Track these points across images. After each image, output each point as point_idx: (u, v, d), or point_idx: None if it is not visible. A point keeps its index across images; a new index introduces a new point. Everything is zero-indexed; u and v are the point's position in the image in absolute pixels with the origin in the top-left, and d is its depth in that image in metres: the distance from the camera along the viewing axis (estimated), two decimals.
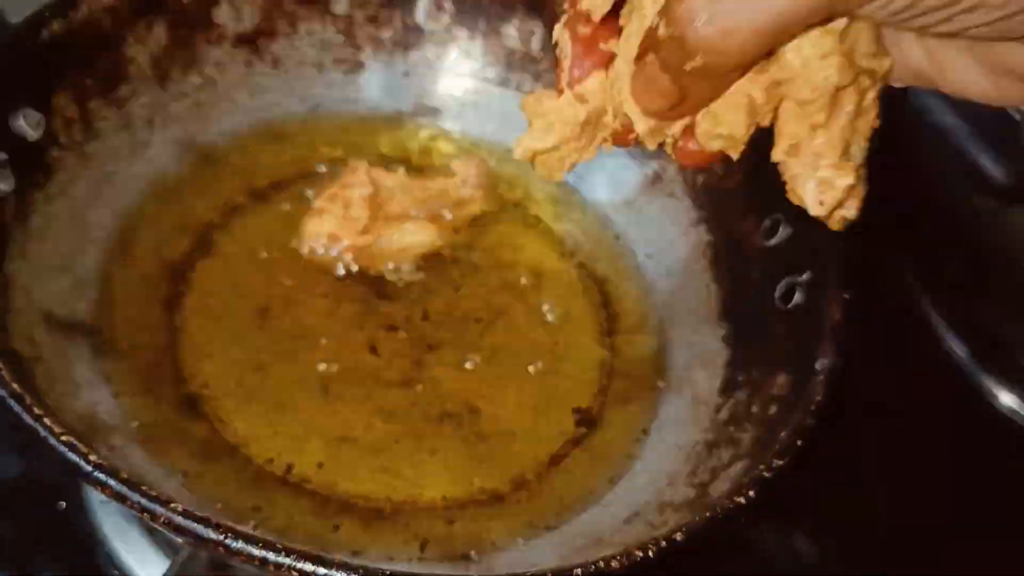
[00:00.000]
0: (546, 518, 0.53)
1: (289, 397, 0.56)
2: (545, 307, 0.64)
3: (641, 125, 0.37)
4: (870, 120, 0.36)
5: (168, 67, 0.64)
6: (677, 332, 0.64)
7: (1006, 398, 0.76)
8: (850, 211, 0.36)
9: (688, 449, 0.56)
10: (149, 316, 0.58)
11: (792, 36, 0.32)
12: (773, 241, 0.60)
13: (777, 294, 0.58)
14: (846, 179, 0.35)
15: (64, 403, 0.48)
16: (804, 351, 0.52)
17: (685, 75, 0.33)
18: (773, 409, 0.52)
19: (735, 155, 0.38)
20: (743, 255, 0.62)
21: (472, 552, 0.51)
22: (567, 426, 0.59)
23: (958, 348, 0.79)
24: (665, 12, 0.32)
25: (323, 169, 0.68)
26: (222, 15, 0.66)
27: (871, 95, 0.36)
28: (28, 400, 0.39)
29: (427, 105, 0.73)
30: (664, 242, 0.68)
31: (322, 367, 0.58)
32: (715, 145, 0.37)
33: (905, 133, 0.65)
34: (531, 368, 0.61)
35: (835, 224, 0.37)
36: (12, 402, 0.38)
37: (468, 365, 0.60)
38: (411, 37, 0.71)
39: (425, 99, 0.73)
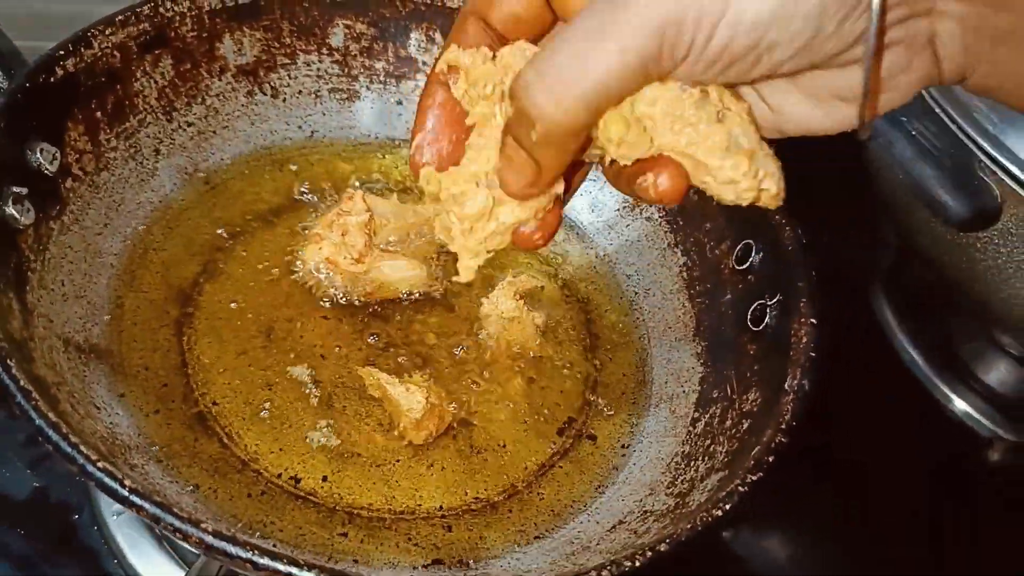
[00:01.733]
0: (537, 526, 0.57)
1: (294, 413, 0.60)
2: (533, 324, 0.68)
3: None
4: (741, 113, 0.38)
5: (173, 99, 0.67)
6: (656, 349, 0.68)
7: (959, 404, 0.81)
8: (771, 187, 0.38)
9: (668, 460, 0.60)
10: (159, 338, 0.61)
11: (616, 103, 0.35)
12: (745, 265, 0.64)
13: (749, 315, 0.62)
14: (740, 167, 0.37)
15: (86, 425, 0.51)
16: (774, 371, 0.57)
17: (534, 147, 0.36)
18: (745, 424, 0.56)
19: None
20: (717, 277, 0.67)
21: (470, 560, 0.54)
22: (554, 438, 0.63)
23: (918, 358, 0.84)
24: (509, 92, 0.36)
25: (319, 195, 0.71)
26: (225, 48, 0.69)
27: (728, 100, 0.38)
28: (64, 429, 0.42)
29: None
30: (643, 263, 0.72)
31: (324, 384, 0.61)
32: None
33: (872, 166, 0.70)
34: (520, 382, 0.64)
35: (772, 203, 0.39)
36: (50, 432, 0.42)
37: (461, 381, 0.64)
38: (404, 68, 0.75)
39: None
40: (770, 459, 0.49)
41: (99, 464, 0.41)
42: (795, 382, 0.53)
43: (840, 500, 0.75)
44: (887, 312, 0.88)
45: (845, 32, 0.33)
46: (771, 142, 0.39)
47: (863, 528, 0.74)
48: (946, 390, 0.83)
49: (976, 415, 0.81)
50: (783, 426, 0.51)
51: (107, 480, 0.41)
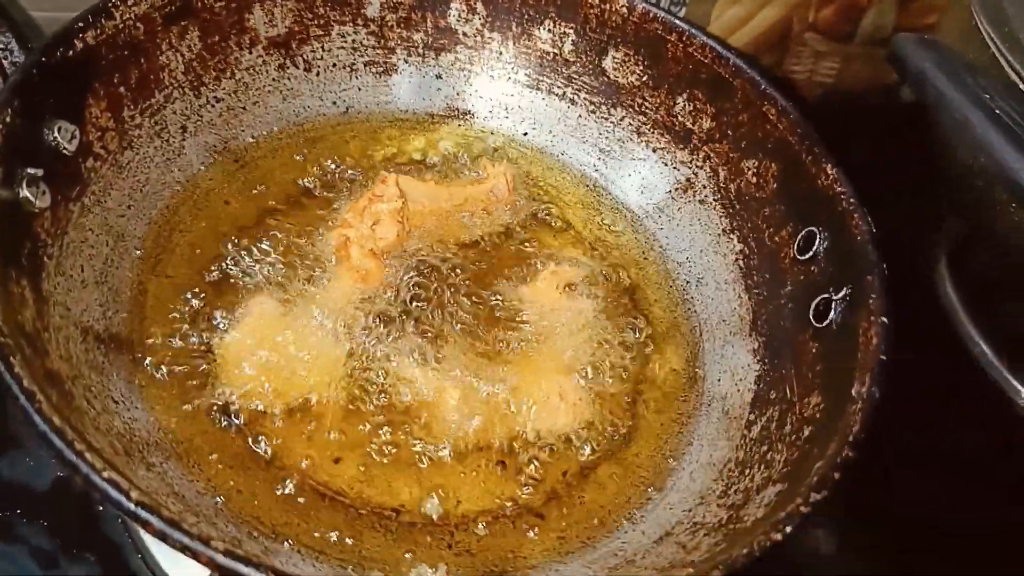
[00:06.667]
0: (579, 535, 0.54)
1: (323, 406, 0.56)
2: (576, 314, 0.64)
3: None
4: None
5: (201, 73, 0.64)
6: (708, 343, 0.64)
7: None
8: None
9: (720, 466, 0.56)
10: (183, 325, 0.58)
11: None
12: (808, 255, 0.59)
13: (812, 310, 0.57)
14: None
15: (103, 421, 0.49)
16: (838, 373, 0.52)
17: None
18: (806, 431, 0.52)
19: None
20: (776, 267, 0.62)
21: (506, 570, 0.51)
22: (598, 437, 0.59)
23: (985, 347, 0.78)
24: None
25: (353, 174, 0.68)
26: (255, 20, 0.65)
27: None
28: (70, 435, 0.39)
29: (459, 107, 0.72)
30: (695, 250, 0.67)
31: (354, 375, 0.58)
32: None
33: (941, 144, 0.64)
34: (562, 377, 0.60)
35: None
36: (54, 437, 0.39)
37: (499, 375, 0.60)
38: (443, 39, 0.71)
39: (457, 101, 0.72)
40: (836, 476, 0.45)
41: (104, 474, 0.38)
42: (864, 389, 0.49)
43: (900, 495, 0.71)
44: (952, 297, 0.83)
45: None
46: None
47: (921, 523, 0.70)
48: (1016, 383, 0.77)
49: None
50: (851, 439, 0.46)
51: (112, 492, 0.38)
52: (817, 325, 0.57)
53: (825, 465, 0.45)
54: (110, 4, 0.57)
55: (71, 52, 0.55)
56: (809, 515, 0.43)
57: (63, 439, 0.39)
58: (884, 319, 0.51)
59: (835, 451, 0.46)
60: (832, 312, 0.56)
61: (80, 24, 0.56)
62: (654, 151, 0.70)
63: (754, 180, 0.64)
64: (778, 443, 0.53)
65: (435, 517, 0.53)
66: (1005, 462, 0.75)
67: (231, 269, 0.61)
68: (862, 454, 0.48)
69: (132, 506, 0.37)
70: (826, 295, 0.56)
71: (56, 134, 0.54)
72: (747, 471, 0.53)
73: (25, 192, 0.51)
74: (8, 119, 0.50)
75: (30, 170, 0.51)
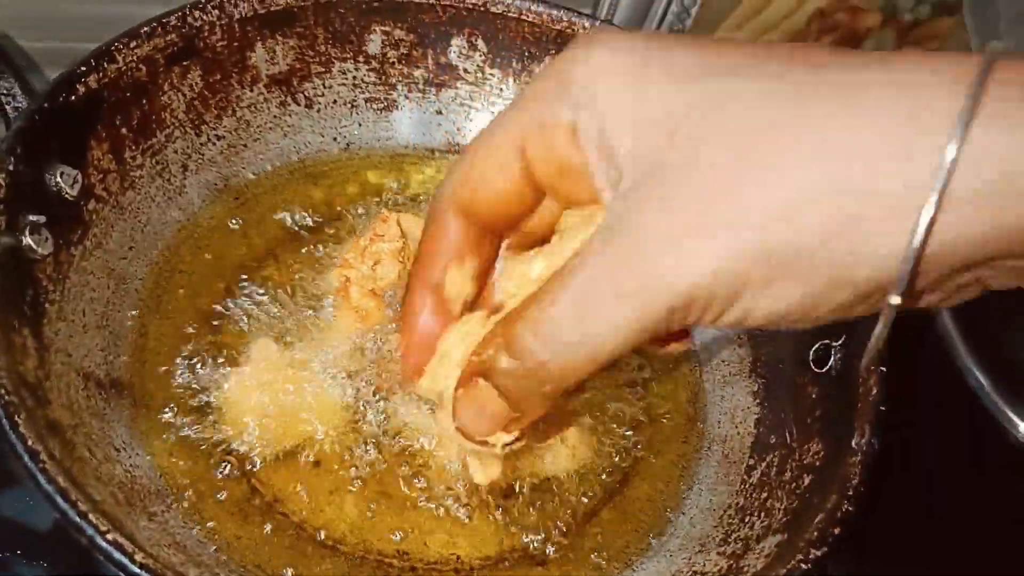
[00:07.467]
0: None
1: (324, 450, 0.56)
2: None
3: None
4: None
5: (203, 112, 0.64)
6: (708, 384, 0.64)
7: None
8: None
9: (720, 512, 0.56)
10: (184, 367, 0.58)
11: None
12: None
13: (811, 355, 0.57)
14: None
15: (104, 471, 0.49)
16: (838, 421, 0.52)
17: (527, 398, 0.36)
18: (806, 480, 0.52)
19: None
20: None
21: None
22: (599, 480, 0.59)
23: (980, 375, 0.79)
24: (506, 345, 0.34)
25: (354, 210, 0.68)
26: (256, 58, 0.65)
27: None
28: (74, 496, 0.39)
29: (459, 143, 0.73)
30: None
31: (358, 417, 0.58)
32: None
33: None
34: (564, 419, 0.61)
35: None
36: (58, 499, 0.39)
37: None
38: (444, 76, 0.71)
39: (458, 137, 0.72)
40: (835, 531, 0.45)
41: (108, 536, 0.38)
42: (863, 440, 0.49)
43: (891, 521, 0.71)
44: (950, 327, 0.83)
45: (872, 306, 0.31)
46: None
47: (917, 555, 0.70)
48: (1011, 414, 0.77)
49: None
50: (850, 492, 0.46)
51: (116, 554, 0.38)
52: (816, 370, 0.57)
53: (825, 520, 0.45)
54: (112, 47, 0.57)
55: (74, 96, 0.55)
56: (809, 572, 0.43)
57: (67, 500, 0.39)
58: (883, 368, 0.51)
59: (835, 505, 0.46)
60: (831, 358, 0.56)
61: (83, 68, 0.56)
62: None
63: None
64: (778, 490, 0.53)
65: (436, 563, 0.53)
66: (1001, 494, 0.75)
67: (232, 310, 0.61)
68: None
69: (136, 569, 0.37)
70: (826, 340, 0.57)
71: (59, 179, 0.54)
72: (747, 518, 0.54)
73: (28, 240, 0.50)
74: (12, 166, 0.50)
75: (32, 217, 0.51)
